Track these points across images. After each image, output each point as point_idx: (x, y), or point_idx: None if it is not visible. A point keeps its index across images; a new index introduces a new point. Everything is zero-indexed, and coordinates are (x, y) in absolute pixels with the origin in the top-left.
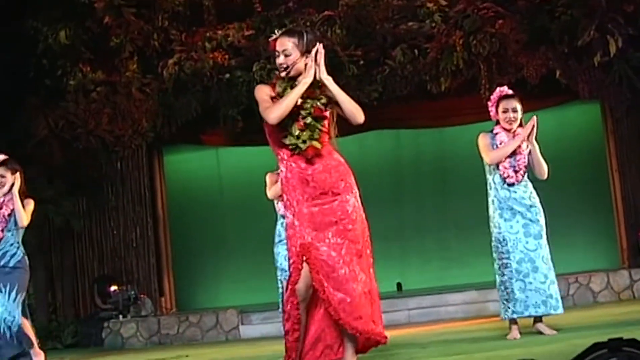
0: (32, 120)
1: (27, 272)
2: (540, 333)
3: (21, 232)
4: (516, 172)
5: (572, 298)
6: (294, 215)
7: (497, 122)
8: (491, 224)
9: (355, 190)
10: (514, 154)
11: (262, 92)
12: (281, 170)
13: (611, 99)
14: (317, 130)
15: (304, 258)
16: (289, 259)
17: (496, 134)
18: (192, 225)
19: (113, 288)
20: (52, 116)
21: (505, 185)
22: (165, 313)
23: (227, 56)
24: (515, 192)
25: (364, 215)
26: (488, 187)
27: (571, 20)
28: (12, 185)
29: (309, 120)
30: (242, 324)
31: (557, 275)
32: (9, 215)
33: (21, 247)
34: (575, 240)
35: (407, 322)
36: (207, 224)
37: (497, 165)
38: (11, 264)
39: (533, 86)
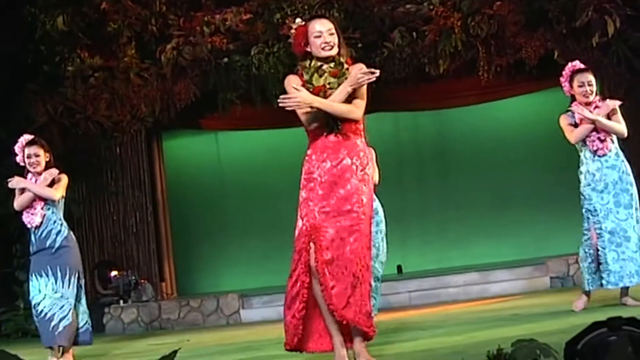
0: (31, 107)
1: (76, 249)
2: (624, 305)
3: (61, 207)
4: (602, 141)
5: (573, 279)
6: (308, 194)
7: (573, 98)
8: (581, 197)
9: (372, 183)
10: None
11: (290, 86)
12: (308, 150)
13: (610, 80)
14: None
15: (312, 238)
16: (296, 237)
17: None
18: (192, 210)
19: (113, 273)
20: (51, 102)
21: (596, 158)
22: (166, 298)
23: (225, 40)
24: (607, 162)
25: (371, 210)
26: (580, 163)
27: (569, 0)
28: (47, 162)
29: None
30: (243, 308)
31: (560, 256)
32: None
33: (64, 223)
34: (575, 221)
35: (407, 305)
36: (207, 209)
37: (584, 141)
38: (57, 243)
39: (531, 67)
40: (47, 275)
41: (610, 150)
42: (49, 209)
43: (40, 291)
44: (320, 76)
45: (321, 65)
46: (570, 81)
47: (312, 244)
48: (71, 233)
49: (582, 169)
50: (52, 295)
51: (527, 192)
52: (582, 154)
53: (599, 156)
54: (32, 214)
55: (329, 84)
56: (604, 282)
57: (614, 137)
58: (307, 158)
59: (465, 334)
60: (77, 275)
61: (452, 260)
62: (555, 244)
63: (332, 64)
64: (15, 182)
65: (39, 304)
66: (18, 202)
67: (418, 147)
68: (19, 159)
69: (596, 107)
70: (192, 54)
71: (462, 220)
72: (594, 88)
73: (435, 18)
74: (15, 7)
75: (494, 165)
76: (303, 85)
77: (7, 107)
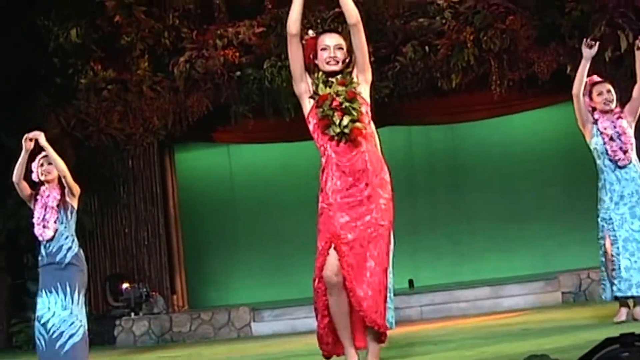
0: (44, 119)
1: (84, 270)
2: (635, 320)
3: (74, 222)
4: (625, 152)
5: (585, 294)
6: (328, 204)
7: (593, 109)
8: (599, 206)
9: (390, 189)
10: (619, 134)
11: None
12: (323, 162)
13: (622, 95)
14: (352, 111)
15: (333, 245)
16: (318, 247)
17: (597, 119)
18: (203, 222)
19: (125, 286)
20: (64, 115)
21: (616, 168)
22: (177, 310)
23: (238, 54)
24: (627, 173)
25: (392, 216)
26: (598, 172)
27: (581, 15)
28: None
29: (345, 105)
30: (254, 321)
31: (572, 271)
32: (57, 206)
33: (76, 241)
34: (587, 235)
35: (419, 319)
36: (219, 222)
37: (606, 150)
38: (67, 259)
39: (544, 82)
40: (57, 292)
41: (630, 162)
42: (62, 223)
43: (49, 309)
44: (328, 87)
45: (328, 78)
46: (590, 93)
47: (331, 251)
48: (81, 251)
49: (601, 177)
50: (61, 313)
51: (539, 206)
52: (599, 162)
53: (619, 167)
54: (44, 226)
55: (336, 92)
56: (614, 288)
57: (634, 149)
58: (322, 168)
59: (476, 349)
60: (83, 292)
61: (463, 275)
62: (567, 259)
63: (339, 76)
64: (32, 134)
65: (47, 321)
66: (15, 171)
67: (430, 161)
68: (34, 176)
69: (619, 117)
70: (204, 67)
71: (474, 234)
72: (613, 97)
73: (448, 32)
74: (28, 19)
75: (506, 179)
76: (310, 96)
77: (19, 118)
